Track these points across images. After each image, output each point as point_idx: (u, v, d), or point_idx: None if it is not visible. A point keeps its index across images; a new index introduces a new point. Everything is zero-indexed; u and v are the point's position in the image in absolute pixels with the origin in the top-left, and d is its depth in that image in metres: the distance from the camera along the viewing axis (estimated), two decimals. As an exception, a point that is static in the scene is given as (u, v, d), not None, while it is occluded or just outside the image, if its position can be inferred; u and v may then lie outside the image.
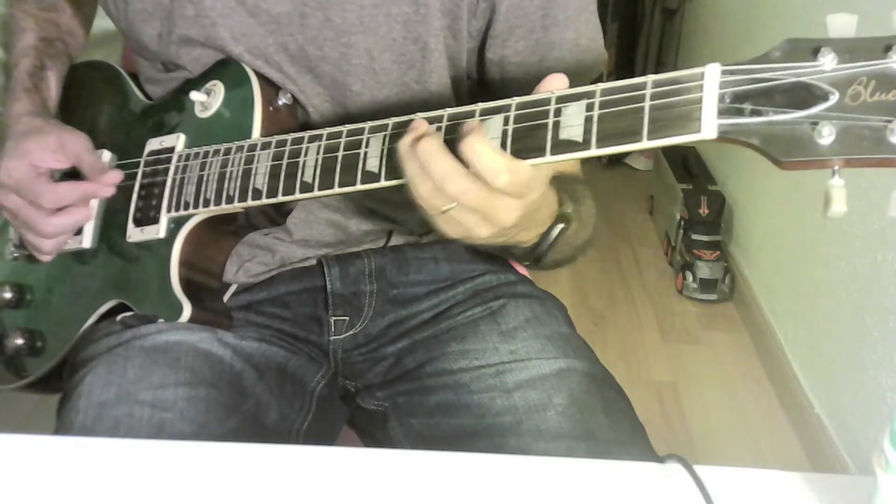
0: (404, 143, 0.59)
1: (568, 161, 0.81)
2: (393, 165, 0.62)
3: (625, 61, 3.50)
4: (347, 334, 0.87)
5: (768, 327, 2.14)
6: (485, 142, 0.56)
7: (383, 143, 0.63)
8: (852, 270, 1.67)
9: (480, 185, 0.56)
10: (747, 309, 2.32)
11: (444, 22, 0.77)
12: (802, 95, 0.48)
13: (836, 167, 0.48)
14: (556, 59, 0.79)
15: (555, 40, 0.78)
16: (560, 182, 0.77)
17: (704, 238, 2.47)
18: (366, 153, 0.64)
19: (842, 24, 0.48)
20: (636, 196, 3.14)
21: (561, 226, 0.69)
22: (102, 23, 0.97)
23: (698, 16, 3.21)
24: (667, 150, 2.86)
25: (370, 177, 0.64)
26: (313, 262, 0.87)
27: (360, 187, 0.64)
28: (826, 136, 0.47)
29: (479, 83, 0.83)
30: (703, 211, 2.49)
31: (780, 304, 2.13)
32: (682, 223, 2.52)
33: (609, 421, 0.73)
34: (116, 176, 0.82)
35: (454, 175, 0.56)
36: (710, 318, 2.38)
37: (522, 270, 0.97)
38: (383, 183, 0.63)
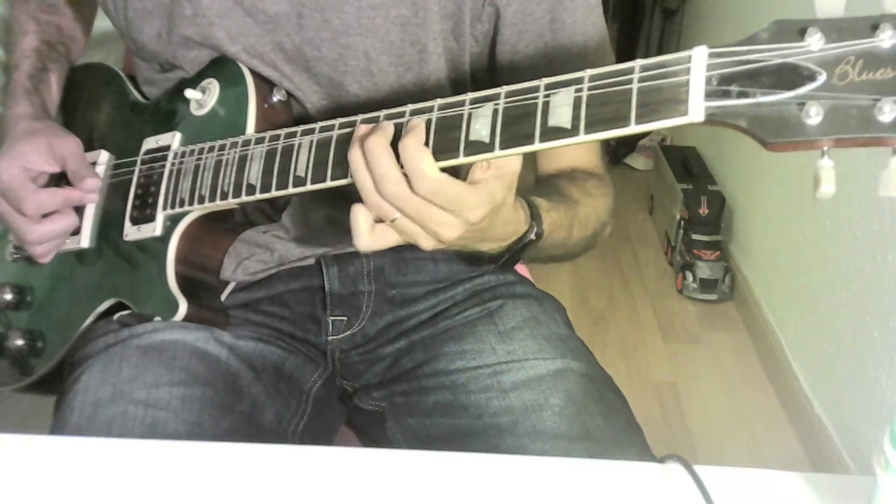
0: (355, 152, 0.60)
1: (579, 152, 0.82)
2: None
3: (625, 61, 3.49)
4: (345, 334, 0.86)
5: (768, 327, 2.14)
6: (415, 143, 0.58)
7: None
8: (852, 270, 1.67)
9: (411, 193, 0.58)
10: (747, 309, 2.32)
11: (444, 25, 0.76)
12: (790, 76, 0.48)
13: (825, 148, 0.48)
14: (566, 62, 0.79)
15: (564, 44, 0.78)
16: (550, 187, 0.77)
17: (704, 238, 2.47)
18: None
19: (830, 4, 0.47)
20: (636, 196, 3.14)
21: (531, 238, 0.69)
22: (102, 23, 0.97)
23: (698, 16, 3.22)
24: (667, 150, 2.86)
25: None
26: (312, 261, 0.87)
27: (351, 180, 0.64)
28: (814, 116, 0.47)
29: (492, 86, 0.83)
30: (703, 211, 2.49)
31: (780, 304, 2.13)
32: (682, 223, 2.52)
33: (606, 421, 0.73)
34: (93, 183, 0.82)
35: (389, 178, 0.58)
36: (710, 318, 2.38)
37: (522, 271, 0.97)
38: None
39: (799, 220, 2.00)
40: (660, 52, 3.51)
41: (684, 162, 2.71)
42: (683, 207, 2.51)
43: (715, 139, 2.75)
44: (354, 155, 0.60)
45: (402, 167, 0.58)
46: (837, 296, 1.74)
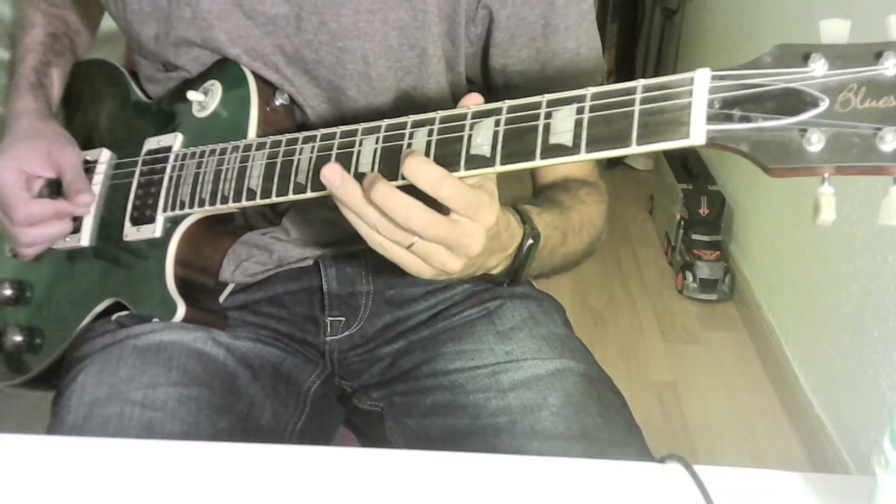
0: (356, 199, 0.58)
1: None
2: (385, 166, 0.62)
3: (625, 61, 3.49)
4: (343, 335, 0.86)
5: (768, 327, 2.14)
6: (420, 158, 0.57)
7: (376, 144, 0.63)
8: (852, 270, 1.67)
9: (439, 216, 0.57)
10: (747, 309, 2.32)
11: (442, 27, 0.76)
12: (792, 102, 0.48)
13: (826, 175, 0.48)
14: (558, 68, 0.78)
15: (556, 49, 0.78)
16: (539, 197, 0.77)
17: (704, 238, 2.46)
18: (359, 153, 0.64)
19: (835, 30, 0.47)
20: (636, 196, 3.14)
21: (529, 242, 0.68)
22: (104, 22, 0.98)
23: (698, 16, 3.21)
24: (667, 151, 2.86)
25: (362, 178, 0.63)
26: (310, 262, 0.87)
27: None
28: (815, 143, 0.47)
29: (486, 89, 0.83)
30: (703, 211, 2.49)
31: (779, 304, 2.13)
32: (682, 223, 2.52)
33: (604, 421, 0.73)
34: (87, 198, 0.81)
35: (415, 209, 0.56)
36: (710, 318, 2.38)
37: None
38: None
39: (799, 221, 2.00)
40: (660, 53, 3.48)
41: (684, 162, 2.71)
42: (683, 207, 2.51)
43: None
44: (368, 212, 0.58)
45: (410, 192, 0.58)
46: (837, 296, 1.73)
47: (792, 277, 2.05)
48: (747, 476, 0.59)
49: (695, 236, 2.47)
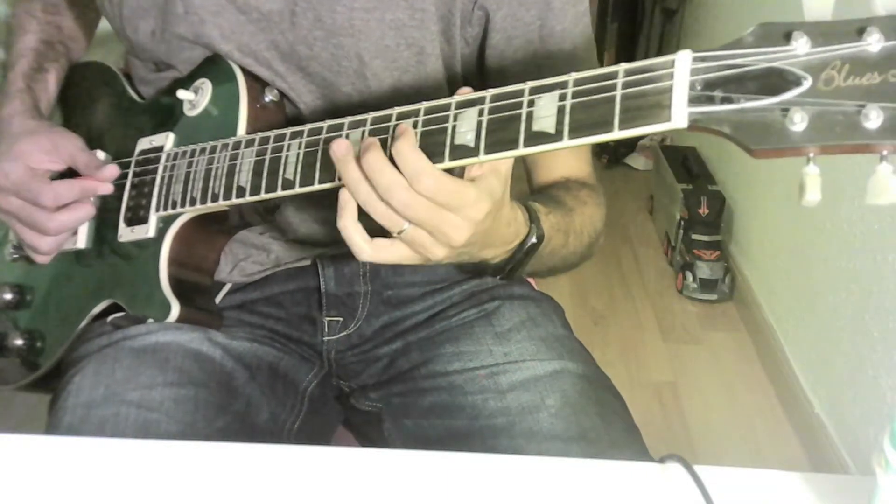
0: (355, 174, 0.59)
1: (570, 162, 0.82)
2: None
3: (625, 61, 3.49)
4: (341, 335, 0.86)
5: (768, 327, 2.14)
6: (408, 145, 0.57)
7: (362, 139, 0.62)
8: (852, 270, 1.67)
9: (422, 198, 0.57)
10: (747, 309, 2.32)
11: (438, 26, 0.76)
12: (774, 81, 0.47)
13: (810, 154, 0.47)
14: (554, 69, 0.78)
15: (553, 51, 0.78)
16: (545, 195, 0.77)
17: (704, 238, 2.46)
18: None
19: (818, 7, 0.46)
20: (636, 196, 3.13)
21: (532, 241, 0.68)
22: (103, 23, 0.97)
23: (698, 16, 3.21)
24: (667, 150, 2.86)
25: None
26: (308, 262, 0.86)
27: (338, 183, 0.63)
28: (798, 122, 0.46)
29: (483, 89, 0.82)
30: (703, 211, 2.49)
31: (780, 304, 2.13)
32: (682, 223, 2.52)
33: (603, 423, 0.72)
34: (112, 171, 0.81)
35: (398, 184, 0.57)
36: (710, 318, 2.38)
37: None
38: None
39: (799, 221, 1.99)
40: (660, 53, 3.50)
41: (684, 162, 2.71)
42: (683, 207, 2.51)
43: (715, 139, 2.74)
44: (351, 173, 0.59)
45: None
46: (837, 296, 1.73)
47: (792, 277, 2.04)
48: (747, 476, 0.59)
49: (695, 236, 2.47)
